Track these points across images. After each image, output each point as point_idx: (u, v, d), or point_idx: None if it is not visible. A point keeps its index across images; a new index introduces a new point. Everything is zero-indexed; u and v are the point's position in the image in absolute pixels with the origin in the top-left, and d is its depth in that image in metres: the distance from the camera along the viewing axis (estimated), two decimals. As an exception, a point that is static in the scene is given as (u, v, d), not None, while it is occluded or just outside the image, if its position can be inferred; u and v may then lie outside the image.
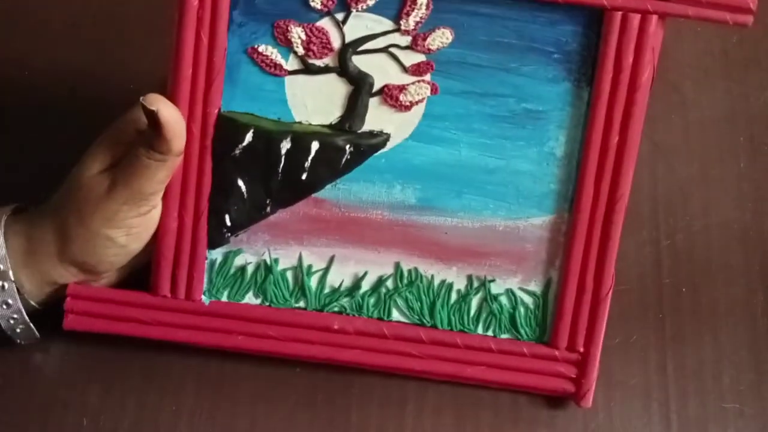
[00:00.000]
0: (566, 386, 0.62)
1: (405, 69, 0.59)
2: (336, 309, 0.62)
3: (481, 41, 0.58)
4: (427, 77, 0.59)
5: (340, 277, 0.62)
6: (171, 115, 0.56)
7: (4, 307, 0.59)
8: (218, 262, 0.62)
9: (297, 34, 0.59)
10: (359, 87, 0.59)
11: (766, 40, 0.77)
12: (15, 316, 0.60)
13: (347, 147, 0.60)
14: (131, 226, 0.59)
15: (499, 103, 0.59)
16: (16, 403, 0.61)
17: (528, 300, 0.62)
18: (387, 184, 0.61)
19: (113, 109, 0.62)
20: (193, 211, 0.61)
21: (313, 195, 0.61)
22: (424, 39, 0.58)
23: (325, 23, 0.59)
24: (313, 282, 0.62)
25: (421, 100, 0.59)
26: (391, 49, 0.59)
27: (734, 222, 0.70)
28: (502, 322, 0.62)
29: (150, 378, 0.63)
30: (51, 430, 0.61)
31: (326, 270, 0.62)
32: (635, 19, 0.57)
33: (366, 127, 0.60)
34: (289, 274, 0.63)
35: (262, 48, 0.59)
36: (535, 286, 0.62)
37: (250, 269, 0.62)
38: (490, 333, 0.62)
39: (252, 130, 0.60)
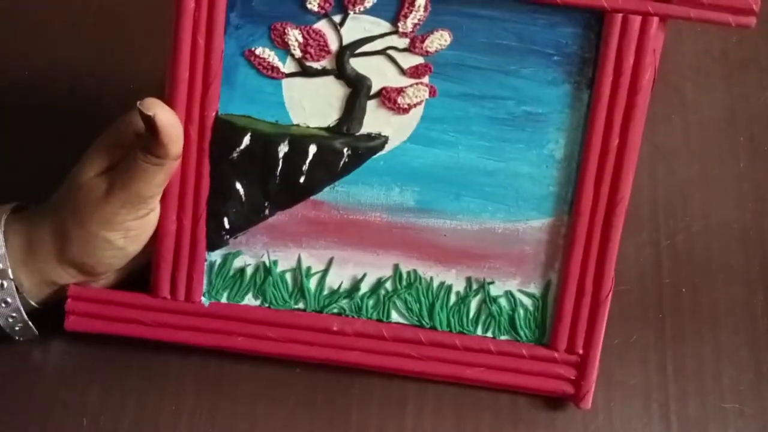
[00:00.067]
0: (565, 388, 0.62)
1: (403, 71, 0.59)
2: (335, 310, 0.62)
3: (480, 43, 0.58)
4: (426, 80, 0.59)
5: (339, 278, 0.62)
6: (168, 119, 0.56)
7: (3, 305, 0.59)
8: (217, 263, 0.62)
9: (294, 36, 0.59)
10: (357, 89, 0.59)
11: (765, 40, 0.77)
12: (13, 314, 0.60)
13: (345, 150, 0.60)
14: (129, 228, 0.59)
15: (498, 106, 0.59)
16: (16, 402, 0.62)
17: (527, 302, 0.62)
18: (385, 187, 0.61)
19: (113, 109, 0.62)
20: (191, 214, 0.61)
21: (311, 197, 0.61)
22: (422, 41, 0.58)
23: (322, 25, 0.58)
24: (312, 284, 0.63)
25: (419, 103, 0.59)
26: (389, 52, 0.59)
27: (734, 222, 0.70)
28: (501, 323, 0.62)
29: (150, 378, 0.63)
30: (51, 430, 0.61)
31: (325, 272, 0.62)
32: (636, 21, 0.56)
33: (364, 129, 0.60)
34: (289, 276, 0.63)
35: (259, 50, 0.59)
36: (535, 288, 0.62)
37: (249, 271, 0.62)
38: (489, 335, 0.62)
39: (249, 133, 0.60)
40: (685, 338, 0.66)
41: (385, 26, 0.58)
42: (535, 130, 0.59)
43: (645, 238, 0.70)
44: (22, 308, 0.60)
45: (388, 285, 0.62)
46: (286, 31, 0.59)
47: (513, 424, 0.63)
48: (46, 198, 0.61)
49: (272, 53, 0.59)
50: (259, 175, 0.60)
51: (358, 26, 0.58)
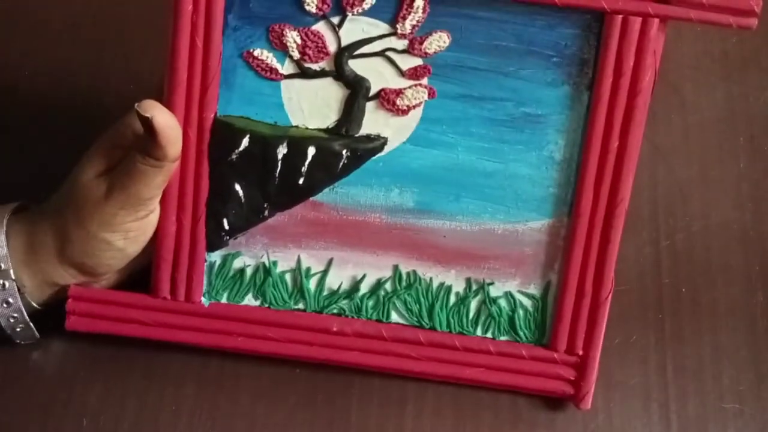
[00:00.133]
0: (565, 388, 0.62)
1: (402, 73, 0.59)
2: (335, 311, 0.63)
3: (479, 44, 0.58)
4: (425, 81, 0.59)
5: (338, 279, 0.62)
6: (166, 121, 0.56)
7: (5, 305, 0.59)
8: (217, 264, 0.62)
9: (292, 38, 0.58)
10: (356, 91, 0.59)
11: (766, 40, 0.77)
12: (15, 315, 0.60)
13: (344, 151, 0.60)
14: (129, 230, 0.59)
15: (498, 107, 0.59)
16: (16, 402, 0.62)
17: (527, 303, 0.62)
18: (385, 188, 0.61)
19: (113, 109, 0.62)
20: (191, 215, 0.61)
21: (311, 198, 0.61)
22: (421, 43, 0.58)
23: (320, 27, 0.58)
24: (311, 284, 0.63)
25: (418, 104, 0.59)
26: (388, 53, 0.58)
27: (734, 222, 0.70)
28: (501, 324, 0.62)
29: (150, 378, 0.63)
30: (51, 430, 0.61)
31: (325, 272, 0.62)
32: (636, 22, 0.56)
33: (363, 131, 0.60)
34: (288, 277, 0.63)
35: (257, 52, 0.59)
36: (534, 289, 0.62)
37: (249, 271, 0.63)
38: (489, 335, 0.62)
39: (248, 135, 0.60)
40: (685, 338, 0.66)
41: (383, 28, 0.58)
42: (534, 132, 0.59)
43: (645, 238, 0.69)
44: (23, 309, 0.60)
45: (388, 286, 0.62)
46: (284, 32, 0.58)
47: (513, 424, 0.63)
48: (47, 198, 0.61)
49: (270, 55, 0.59)
50: (258, 177, 0.60)
51: (356, 28, 0.58)
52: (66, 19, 0.76)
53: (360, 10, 0.58)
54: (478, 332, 0.62)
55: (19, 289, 0.59)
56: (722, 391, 0.65)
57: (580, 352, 0.61)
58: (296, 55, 0.59)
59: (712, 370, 0.65)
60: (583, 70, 0.58)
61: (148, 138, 0.56)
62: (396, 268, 0.62)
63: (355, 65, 0.59)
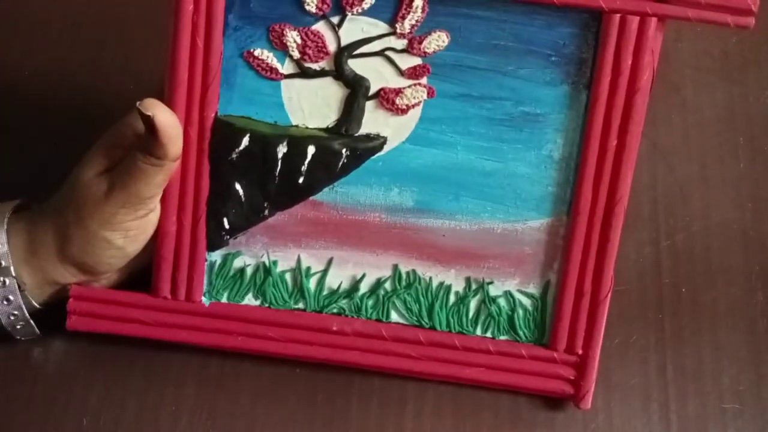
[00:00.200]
0: (565, 388, 0.62)
1: (401, 72, 0.59)
2: (335, 310, 0.63)
3: (478, 44, 0.58)
4: (424, 80, 0.59)
5: (338, 279, 0.63)
6: (167, 120, 0.56)
7: (5, 303, 0.60)
8: (218, 263, 0.62)
9: (292, 37, 0.59)
10: (355, 90, 0.59)
11: (766, 40, 0.77)
12: (15, 312, 0.60)
13: (344, 150, 0.60)
14: (129, 228, 0.59)
15: (497, 106, 0.59)
16: (17, 402, 0.62)
17: (526, 302, 0.62)
18: (384, 187, 0.61)
19: (113, 109, 0.62)
20: (191, 214, 0.61)
21: (310, 198, 0.61)
22: (420, 42, 0.58)
23: (320, 27, 0.58)
24: (311, 284, 0.63)
25: (417, 104, 0.59)
26: (387, 53, 0.59)
27: (734, 222, 0.70)
28: (500, 323, 0.62)
29: (150, 378, 0.63)
30: (51, 430, 0.61)
31: (325, 272, 0.62)
32: (634, 21, 0.56)
33: (363, 130, 0.60)
34: (288, 276, 0.63)
35: (257, 52, 0.59)
36: (534, 289, 0.62)
37: (249, 271, 0.63)
38: (488, 335, 0.62)
39: (248, 134, 0.60)
40: (685, 338, 0.66)
41: (383, 27, 0.58)
42: (533, 131, 0.59)
43: (645, 238, 0.69)
44: (24, 306, 0.60)
45: (388, 285, 0.62)
46: (284, 32, 0.59)
47: (513, 424, 0.63)
48: (47, 198, 0.61)
49: (271, 54, 0.59)
50: (259, 176, 0.60)
51: (356, 27, 0.58)
52: (66, 19, 0.76)
53: (359, 10, 0.58)
54: (478, 332, 0.62)
55: (19, 287, 0.59)
56: (722, 391, 0.64)
57: (580, 352, 0.61)
58: (296, 54, 0.59)
59: (712, 370, 0.65)
60: (582, 69, 0.58)
61: (149, 136, 0.56)
62: (396, 267, 0.62)
63: (355, 65, 0.59)
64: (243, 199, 0.61)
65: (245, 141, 0.60)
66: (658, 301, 0.67)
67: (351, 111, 0.59)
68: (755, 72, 0.76)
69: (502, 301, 0.62)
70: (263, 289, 0.63)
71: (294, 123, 0.60)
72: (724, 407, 0.64)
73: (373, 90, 0.59)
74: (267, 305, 0.63)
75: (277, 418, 0.62)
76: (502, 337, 0.62)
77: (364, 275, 0.62)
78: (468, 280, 0.62)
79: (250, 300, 0.63)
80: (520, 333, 0.62)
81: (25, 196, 0.63)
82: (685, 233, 0.70)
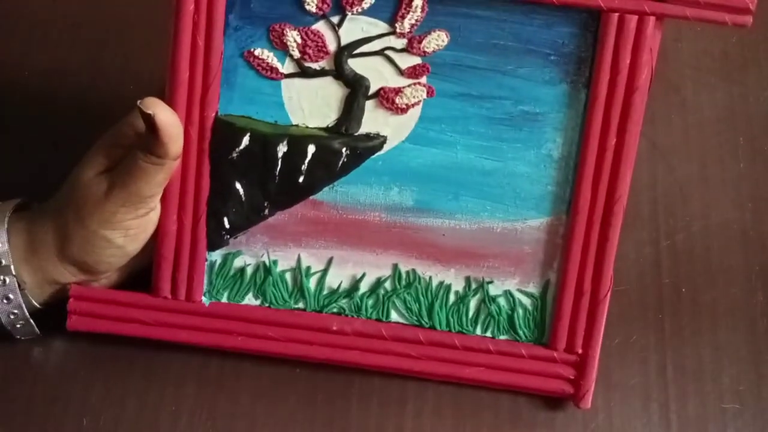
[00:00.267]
0: (565, 387, 0.62)
1: (401, 72, 0.59)
2: (335, 310, 0.63)
3: (477, 43, 0.58)
4: (423, 80, 0.59)
5: (338, 278, 0.63)
6: (168, 118, 0.56)
7: (5, 301, 0.60)
8: (218, 263, 0.62)
9: (292, 37, 0.59)
10: (355, 90, 0.59)
11: (765, 40, 0.77)
12: (15, 311, 0.60)
13: (344, 150, 0.60)
14: (129, 227, 0.59)
15: (496, 106, 0.59)
16: (17, 402, 0.62)
17: (526, 301, 0.62)
18: (384, 187, 0.61)
19: (113, 109, 0.62)
20: (192, 214, 0.61)
21: (310, 197, 0.61)
22: (420, 42, 0.58)
23: (320, 26, 0.59)
24: (311, 283, 0.63)
25: (417, 103, 0.59)
26: (387, 52, 0.59)
27: (734, 222, 0.70)
28: (500, 323, 0.62)
29: (150, 378, 0.63)
30: (51, 430, 0.61)
31: (325, 271, 0.63)
32: (632, 20, 0.56)
33: (362, 130, 0.60)
34: (288, 276, 0.63)
35: (258, 51, 0.59)
36: (534, 288, 0.62)
37: (249, 271, 0.63)
38: (488, 334, 0.62)
39: (249, 134, 0.60)
40: (685, 338, 0.66)
41: (382, 27, 0.58)
42: (532, 130, 0.59)
43: (644, 237, 0.69)
44: (23, 305, 0.60)
45: (388, 285, 0.62)
46: (284, 32, 0.59)
47: (513, 424, 0.63)
48: (47, 198, 0.61)
49: (271, 54, 0.59)
50: (259, 176, 0.60)
51: (355, 27, 0.58)
52: (66, 19, 0.76)
53: (359, 10, 0.58)
54: (478, 331, 0.62)
55: (19, 286, 0.60)
56: (722, 391, 0.64)
57: (580, 351, 0.61)
58: (296, 54, 0.59)
59: (712, 370, 0.65)
60: (581, 68, 0.58)
61: (150, 135, 0.57)
62: (395, 266, 0.62)
63: (355, 64, 0.59)
64: (243, 199, 0.61)
65: (245, 140, 0.60)
66: (658, 301, 0.67)
67: (351, 110, 0.60)
68: (755, 72, 0.76)
69: (501, 301, 0.62)
70: (263, 289, 0.63)
71: (294, 122, 0.60)
72: (724, 407, 0.64)
73: (372, 89, 0.59)
74: (267, 305, 0.63)
75: (277, 418, 0.62)
76: (502, 337, 0.62)
77: (364, 275, 0.62)
78: (468, 280, 0.62)
79: (250, 300, 0.63)
80: (520, 332, 0.62)
81: (25, 196, 0.63)
82: (685, 233, 0.70)
